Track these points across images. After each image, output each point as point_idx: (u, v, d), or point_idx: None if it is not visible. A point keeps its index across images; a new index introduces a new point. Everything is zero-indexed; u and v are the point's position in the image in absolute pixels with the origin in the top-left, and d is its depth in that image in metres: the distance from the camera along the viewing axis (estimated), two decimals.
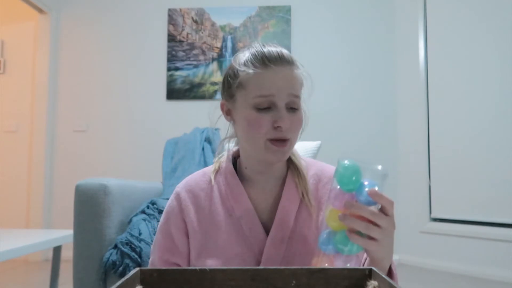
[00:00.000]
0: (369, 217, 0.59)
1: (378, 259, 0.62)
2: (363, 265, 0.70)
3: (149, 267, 0.79)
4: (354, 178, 0.60)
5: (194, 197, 0.81)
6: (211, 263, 0.75)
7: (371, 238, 0.60)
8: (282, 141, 0.72)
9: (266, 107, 0.71)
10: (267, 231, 0.76)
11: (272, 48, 0.73)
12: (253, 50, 0.74)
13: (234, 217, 0.77)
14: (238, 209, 0.77)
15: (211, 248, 0.76)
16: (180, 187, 0.84)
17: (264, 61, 0.71)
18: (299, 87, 0.74)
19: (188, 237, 0.80)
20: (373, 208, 0.60)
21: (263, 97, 0.70)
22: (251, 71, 0.71)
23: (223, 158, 0.84)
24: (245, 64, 0.73)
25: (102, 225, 1.20)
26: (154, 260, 0.81)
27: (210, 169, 0.85)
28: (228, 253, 0.75)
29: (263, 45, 0.74)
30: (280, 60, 0.71)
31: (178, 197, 0.82)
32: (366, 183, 0.60)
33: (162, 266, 0.79)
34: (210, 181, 0.82)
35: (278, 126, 0.70)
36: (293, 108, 0.72)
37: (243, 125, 0.74)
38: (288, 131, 0.71)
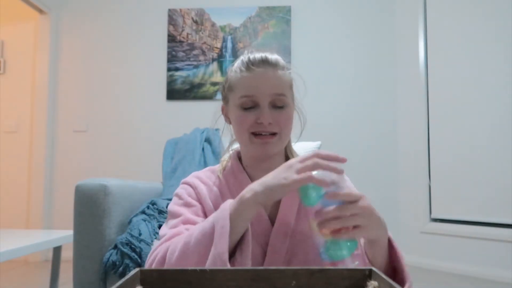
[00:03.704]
0: (339, 214, 0.61)
1: (374, 239, 0.66)
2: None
3: (170, 233, 0.74)
4: (314, 194, 0.62)
5: (205, 185, 0.85)
6: None
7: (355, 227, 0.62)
8: (267, 135, 0.77)
9: (251, 106, 0.77)
10: (272, 224, 0.80)
11: (259, 53, 0.79)
12: (242, 56, 0.81)
13: None
14: None
15: None
16: (189, 178, 0.87)
17: (248, 65, 0.78)
18: (285, 87, 0.79)
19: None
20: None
21: (247, 97, 0.77)
22: (238, 75, 0.79)
23: (228, 157, 0.89)
24: (234, 70, 0.81)
25: (102, 225, 1.20)
26: (177, 224, 0.76)
27: (216, 167, 0.89)
28: None
29: (252, 52, 0.80)
30: (263, 63, 0.77)
31: (190, 182, 0.85)
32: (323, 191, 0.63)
33: (184, 230, 0.75)
34: (218, 177, 0.86)
35: (260, 122, 0.76)
36: (278, 106, 0.78)
37: (233, 124, 0.82)
38: (274, 126, 0.77)
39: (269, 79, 0.77)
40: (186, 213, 0.79)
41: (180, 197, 0.83)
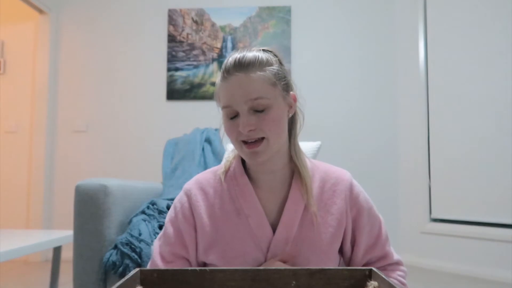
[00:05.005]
0: None
1: None
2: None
3: (157, 259, 0.83)
4: None
5: (204, 194, 0.84)
6: (219, 258, 0.79)
7: None
8: (255, 142, 0.75)
9: (234, 116, 0.76)
10: (274, 230, 0.80)
11: (235, 55, 0.76)
12: (225, 59, 0.79)
13: (243, 215, 0.80)
14: (247, 207, 0.80)
15: (220, 244, 0.80)
16: (190, 184, 0.87)
17: (224, 74, 0.76)
18: (262, 88, 0.74)
19: (196, 232, 0.83)
20: None
21: (226, 108, 0.77)
22: (218, 84, 0.78)
23: (232, 158, 0.88)
24: (218, 77, 0.79)
25: (102, 225, 1.20)
26: (164, 253, 0.83)
27: (219, 168, 0.88)
28: (237, 249, 0.79)
29: (232, 54, 0.78)
30: (235, 69, 0.75)
31: (188, 193, 0.85)
32: None
33: (172, 259, 0.83)
34: (220, 179, 0.85)
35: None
36: (259, 111, 0.75)
37: None
38: (258, 131, 0.75)
39: (242, 86, 0.74)
40: (177, 245, 0.83)
41: (176, 215, 0.85)
